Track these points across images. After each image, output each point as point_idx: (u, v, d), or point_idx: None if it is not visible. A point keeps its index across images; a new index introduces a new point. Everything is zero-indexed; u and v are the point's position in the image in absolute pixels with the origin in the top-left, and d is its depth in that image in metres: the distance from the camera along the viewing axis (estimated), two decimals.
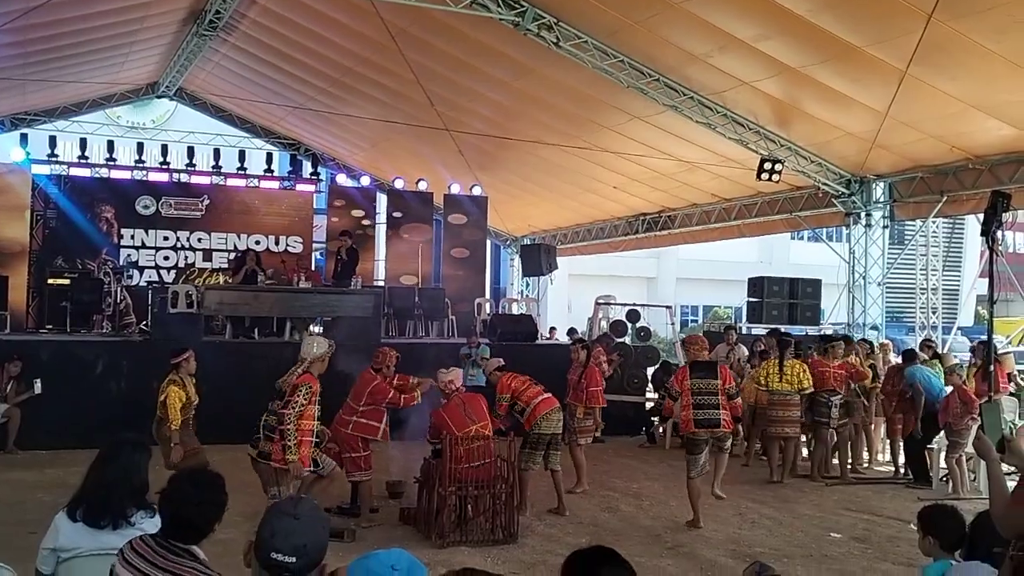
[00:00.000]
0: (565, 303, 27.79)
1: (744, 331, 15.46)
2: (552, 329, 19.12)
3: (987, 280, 11.06)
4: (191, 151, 18.75)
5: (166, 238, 17.97)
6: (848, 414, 10.94)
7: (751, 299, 15.20)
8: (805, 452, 11.46)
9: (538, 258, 18.48)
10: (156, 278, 17.32)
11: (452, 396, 7.92)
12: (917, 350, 11.81)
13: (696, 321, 33.67)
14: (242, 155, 19.28)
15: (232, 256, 17.33)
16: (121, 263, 16.96)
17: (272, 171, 19.62)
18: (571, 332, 17.23)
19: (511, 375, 8.83)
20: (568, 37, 11.43)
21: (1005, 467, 3.29)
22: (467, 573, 2.44)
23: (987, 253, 11.52)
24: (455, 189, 19.23)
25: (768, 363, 10.89)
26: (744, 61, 10.93)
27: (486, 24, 11.67)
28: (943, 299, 18.75)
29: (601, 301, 16.47)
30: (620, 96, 12.69)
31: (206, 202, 18.32)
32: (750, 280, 15.46)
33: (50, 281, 14.26)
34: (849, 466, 11.12)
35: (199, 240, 18.21)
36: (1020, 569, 2.95)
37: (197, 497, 3.08)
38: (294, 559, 2.47)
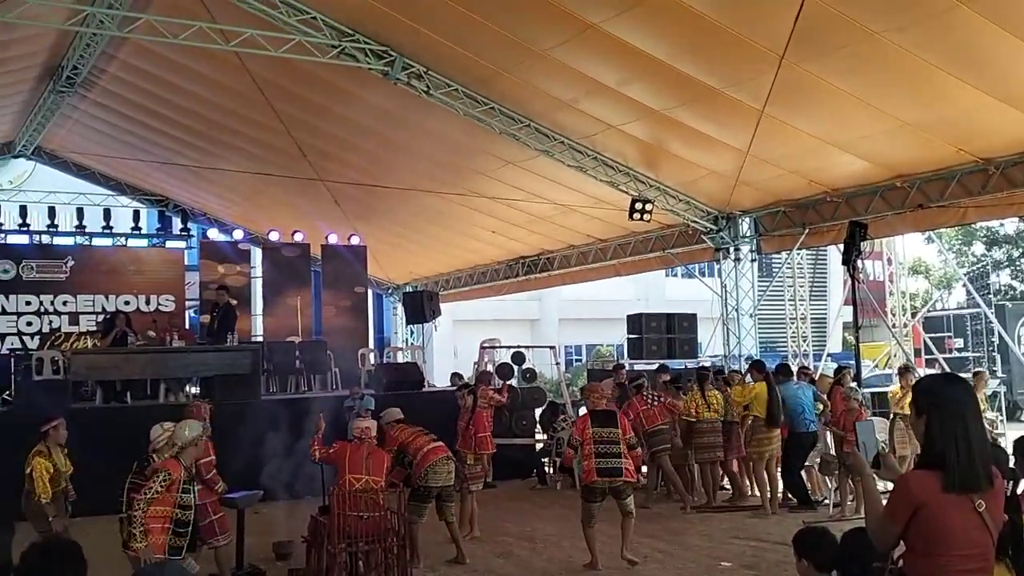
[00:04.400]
0: (451, 349, 27.72)
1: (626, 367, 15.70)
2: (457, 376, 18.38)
3: (851, 307, 11.56)
4: (52, 211, 18.01)
5: (28, 303, 17.18)
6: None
7: (631, 336, 15.49)
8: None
9: (421, 305, 18.39)
10: (19, 345, 16.48)
11: (364, 441, 7.70)
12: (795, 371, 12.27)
13: (580, 360, 34.09)
14: (107, 213, 18.63)
15: (100, 318, 16.65)
16: None
17: (140, 229, 19.00)
18: (456, 377, 17.15)
19: (400, 427, 8.69)
20: (439, 85, 11.53)
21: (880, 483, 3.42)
22: None
23: (850, 281, 12.03)
24: (332, 239, 19.02)
25: (692, 395, 11.37)
26: (610, 105, 11.24)
27: (355, 74, 11.67)
28: (812, 327, 19.54)
29: (486, 345, 16.48)
30: (493, 142, 12.85)
31: (70, 263, 17.63)
32: (629, 317, 15.76)
33: None
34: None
35: (64, 303, 17.47)
36: None
37: (53, 569, 2.91)
38: None
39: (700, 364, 15.19)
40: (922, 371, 16.62)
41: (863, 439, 3.72)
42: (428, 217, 17.60)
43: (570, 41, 9.69)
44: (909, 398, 10.21)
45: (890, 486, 3.21)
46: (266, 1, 10.51)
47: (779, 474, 11.22)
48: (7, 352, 15.74)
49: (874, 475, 3.41)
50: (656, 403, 11.51)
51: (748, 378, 11.50)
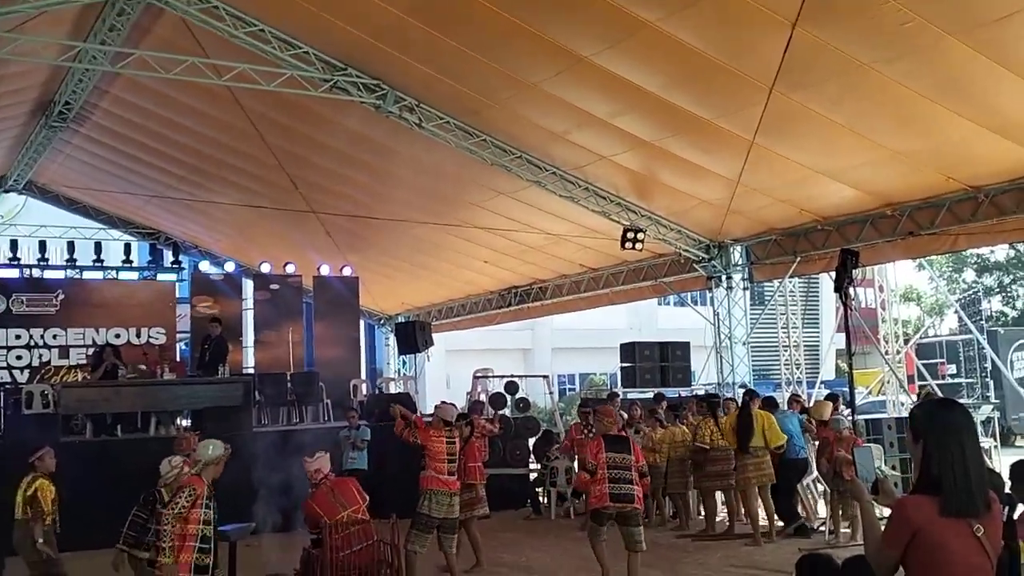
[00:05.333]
0: (444, 379, 27.64)
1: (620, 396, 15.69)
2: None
3: (844, 334, 11.59)
4: (43, 245, 18.00)
5: (18, 336, 17.12)
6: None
7: (624, 364, 15.49)
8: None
9: (413, 336, 18.36)
10: (9, 379, 16.40)
11: (320, 484, 7.66)
12: (784, 403, 12.31)
13: (574, 389, 34.00)
14: (98, 247, 18.63)
15: (90, 351, 16.59)
16: None
17: (131, 262, 18.99)
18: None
19: (440, 436, 8.63)
20: (430, 118, 11.59)
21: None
22: None
23: (842, 309, 12.04)
24: (324, 271, 19.01)
25: (705, 422, 11.33)
26: (601, 136, 11.31)
27: (347, 107, 11.74)
28: (805, 355, 19.55)
29: (479, 374, 16.46)
30: (485, 173, 12.91)
31: (61, 297, 17.59)
32: (622, 346, 15.77)
33: None
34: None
35: (54, 337, 17.40)
36: None
37: None
38: None
39: (707, 392, 15.17)
40: (913, 398, 16.67)
41: (861, 464, 3.71)
42: (420, 248, 17.63)
43: (561, 74, 9.77)
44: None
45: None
46: (258, 36, 10.58)
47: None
48: None
49: (873, 501, 3.41)
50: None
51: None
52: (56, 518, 7.86)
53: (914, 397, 16.84)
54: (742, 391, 13.88)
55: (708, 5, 8.14)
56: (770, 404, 11.65)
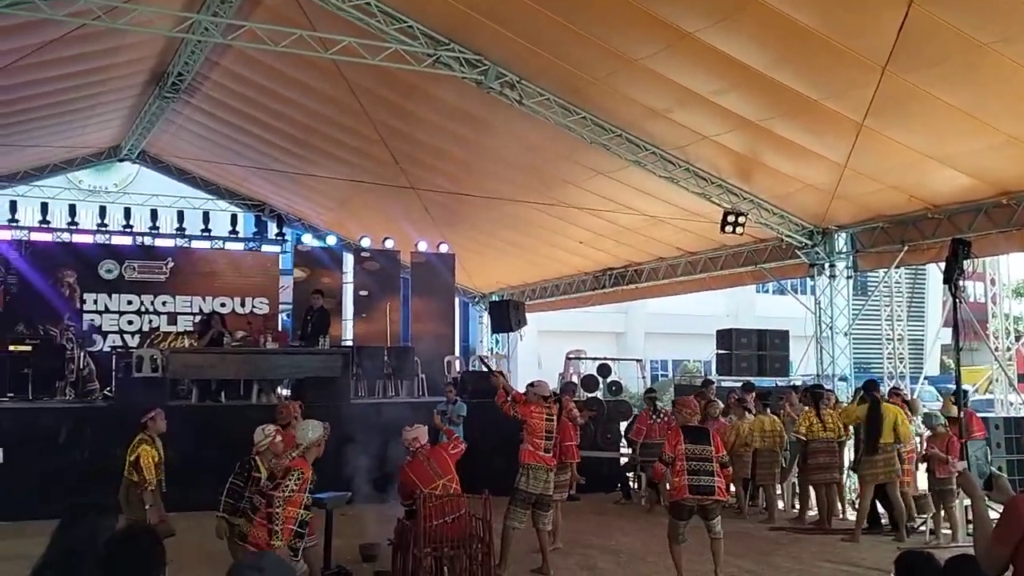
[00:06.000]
0: (535, 359, 27.71)
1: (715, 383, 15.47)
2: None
3: (951, 329, 11.19)
4: (154, 214, 18.66)
5: (130, 302, 17.78)
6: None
7: (720, 351, 15.24)
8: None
9: (507, 314, 18.44)
10: (120, 343, 17.07)
11: (416, 453, 7.77)
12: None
13: (666, 375, 33.69)
14: (206, 217, 19.22)
15: (197, 319, 17.15)
16: (84, 328, 16.70)
17: (237, 232, 19.55)
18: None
19: (540, 412, 8.70)
20: (531, 95, 11.55)
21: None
22: None
23: (949, 302, 11.61)
24: (422, 247, 19.22)
25: (807, 414, 11.14)
26: (704, 115, 11.08)
27: (449, 82, 11.78)
28: (909, 348, 18.92)
29: (572, 355, 16.46)
30: (583, 152, 12.81)
31: (170, 265, 18.21)
32: (719, 333, 15.52)
33: (11, 348, 13.96)
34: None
35: (163, 303, 18.04)
36: None
37: (132, 555, 2.96)
38: None
39: (791, 383, 14.85)
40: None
41: (976, 458, 3.56)
42: (516, 226, 17.64)
43: (665, 50, 9.60)
44: None
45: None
46: (364, 10, 10.70)
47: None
48: (109, 350, 16.32)
49: (985, 497, 3.26)
50: (661, 419, 12.74)
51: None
52: (162, 479, 8.14)
53: None
54: (848, 384, 13.58)
55: None
56: (871, 389, 11.28)
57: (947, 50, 8.32)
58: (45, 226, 17.68)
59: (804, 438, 11.02)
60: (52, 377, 13.68)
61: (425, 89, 12.52)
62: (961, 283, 11.48)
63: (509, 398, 8.68)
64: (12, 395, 13.25)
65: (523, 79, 11.43)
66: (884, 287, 17.63)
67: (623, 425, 14.73)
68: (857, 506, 10.81)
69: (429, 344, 18.19)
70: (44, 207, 17.84)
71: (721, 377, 15.48)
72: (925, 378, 18.74)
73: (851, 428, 11.33)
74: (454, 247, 19.28)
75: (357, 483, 9.23)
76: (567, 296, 21.21)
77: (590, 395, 15.00)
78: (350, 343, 18.27)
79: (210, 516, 7.48)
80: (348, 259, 20.65)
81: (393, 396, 15.59)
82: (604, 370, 15.82)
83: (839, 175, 11.00)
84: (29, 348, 13.92)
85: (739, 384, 13.74)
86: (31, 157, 18.01)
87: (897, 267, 14.54)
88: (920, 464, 10.90)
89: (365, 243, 19.12)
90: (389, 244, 19.14)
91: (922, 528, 10.64)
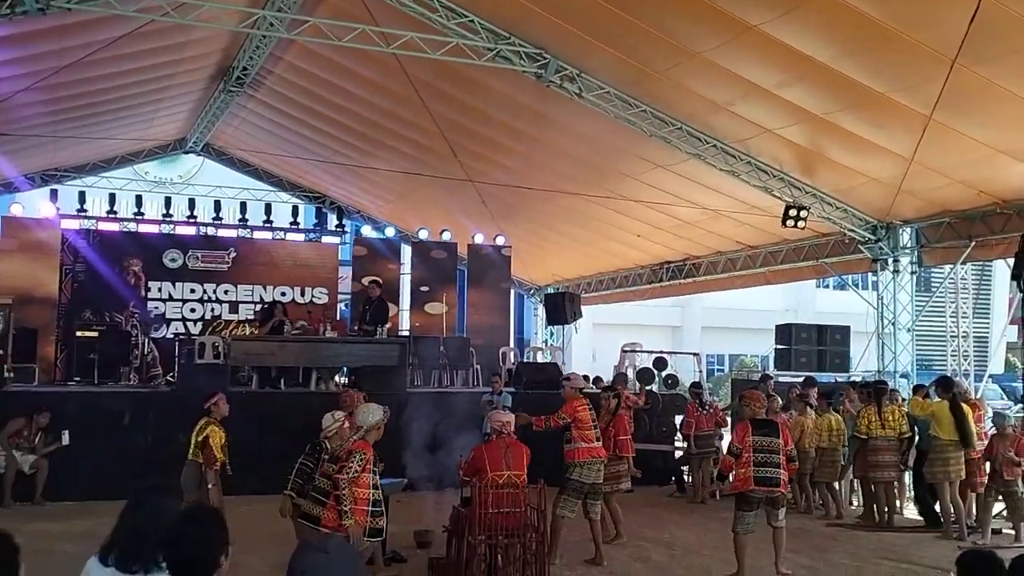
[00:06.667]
0: (589, 352, 27.66)
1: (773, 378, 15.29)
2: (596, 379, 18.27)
3: (1017, 327, 10.89)
4: (218, 205, 19.01)
5: (193, 291, 18.13)
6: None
7: (779, 346, 15.05)
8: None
9: (562, 307, 18.43)
10: (183, 330, 17.43)
11: (501, 437, 7.75)
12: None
13: (722, 370, 33.40)
14: (268, 208, 19.53)
15: (258, 308, 17.44)
16: (149, 315, 17.09)
17: (298, 224, 19.83)
18: (596, 381, 17.08)
19: (584, 404, 8.73)
20: (591, 88, 11.53)
21: None
22: None
23: (1017, 299, 11.32)
24: (479, 239, 19.30)
25: (867, 410, 10.96)
26: (767, 109, 10.97)
27: (509, 76, 11.81)
28: (974, 346, 18.50)
29: (627, 349, 16.39)
30: (643, 145, 12.76)
31: (233, 255, 18.51)
32: (778, 327, 15.32)
33: (78, 334, 14.36)
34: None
35: (225, 292, 18.36)
36: None
37: (198, 534, 3.03)
38: None
39: (850, 379, 14.60)
40: None
41: None
42: (572, 219, 17.64)
43: (728, 43, 9.51)
44: None
45: None
46: (426, 5, 10.79)
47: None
48: (172, 336, 16.68)
49: None
50: (708, 411, 13.17)
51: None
52: (227, 461, 8.32)
53: None
54: (909, 380, 13.32)
55: None
56: (946, 387, 11.01)
57: (1020, 42, 8.12)
58: (112, 216, 18.10)
59: (863, 436, 10.84)
60: (117, 362, 14.04)
61: (485, 83, 12.57)
62: None
63: (544, 418, 8.70)
64: (78, 379, 13.63)
65: (583, 72, 11.42)
66: (949, 283, 17.28)
67: (678, 419, 14.63)
68: (940, 506, 10.57)
69: (485, 335, 18.29)
70: (112, 198, 18.28)
71: (779, 372, 15.29)
72: (990, 376, 18.28)
73: (916, 426, 11.07)
74: (511, 239, 19.33)
75: (412, 470, 9.33)
76: (623, 289, 21.14)
77: (646, 388, 14.93)
78: (407, 333, 18.43)
79: (271, 500, 7.62)
80: (406, 250, 20.81)
81: (449, 386, 15.70)
82: (660, 363, 15.73)
83: (905, 169, 10.77)
84: (95, 334, 14.30)
85: (798, 380, 13.55)
86: (100, 149, 18.48)
87: (963, 263, 14.25)
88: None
89: (423, 235, 19.25)
90: (446, 236, 19.25)
91: (979, 528, 10.42)
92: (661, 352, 16.25)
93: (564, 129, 13.52)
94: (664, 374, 15.76)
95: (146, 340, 15.32)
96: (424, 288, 18.84)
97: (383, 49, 11.04)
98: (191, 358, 12.84)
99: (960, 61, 8.37)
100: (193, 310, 18.12)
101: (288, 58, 14.26)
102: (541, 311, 23.23)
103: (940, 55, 8.48)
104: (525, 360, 19.05)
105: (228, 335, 15.83)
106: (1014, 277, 11.08)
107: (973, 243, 12.44)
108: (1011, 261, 11.13)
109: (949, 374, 16.46)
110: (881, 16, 8.34)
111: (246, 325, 17.15)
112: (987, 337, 28.75)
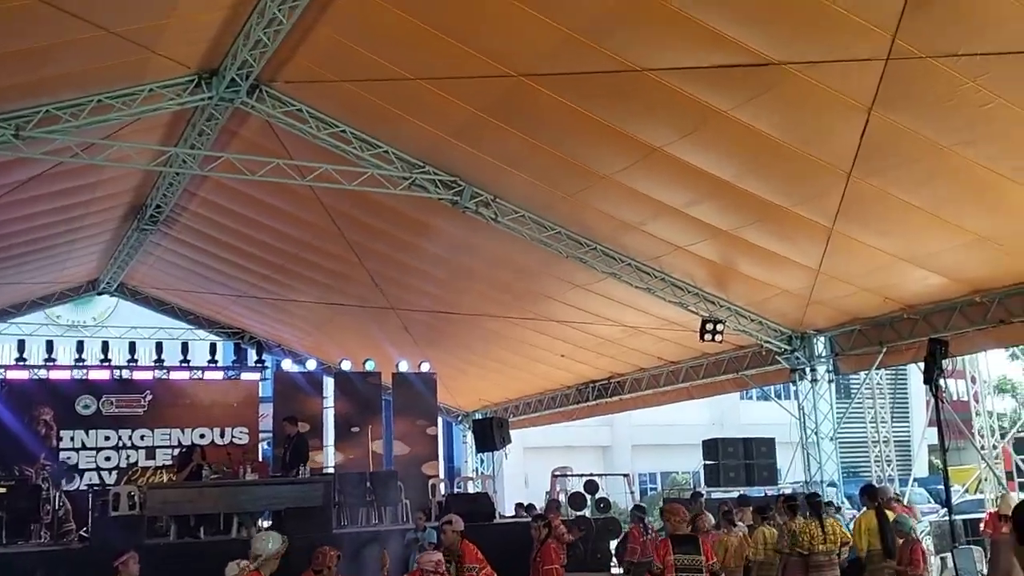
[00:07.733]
0: (522, 477, 27.29)
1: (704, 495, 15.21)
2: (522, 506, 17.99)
3: (936, 429, 11.09)
4: (132, 346, 18.51)
5: (107, 438, 17.47)
6: None
7: (707, 462, 15.06)
8: None
9: (491, 433, 18.22)
10: (97, 480, 16.69)
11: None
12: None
13: (655, 488, 33.18)
14: (185, 347, 19.07)
15: (176, 452, 16.83)
16: (61, 467, 16.32)
17: (216, 361, 19.36)
18: (528, 508, 16.74)
19: (469, 544, 8.44)
20: (505, 212, 11.73)
21: None
22: None
23: (933, 402, 11.50)
24: (403, 367, 19.08)
25: (807, 524, 10.68)
26: (677, 226, 11.27)
27: (425, 203, 11.95)
28: (896, 450, 18.78)
29: (557, 473, 16.20)
30: (560, 265, 12.94)
31: (149, 398, 17.98)
32: (704, 443, 15.37)
33: None
34: None
35: (142, 438, 17.73)
36: None
37: None
38: None
39: (780, 492, 14.61)
40: (1015, 495, 15.75)
41: (963, 569, 3.49)
42: (497, 342, 17.64)
43: (635, 165, 9.83)
44: None
45: None
46: (340, 137, 10.94)
47: None
48: (86, 487, 15.93)
49: None
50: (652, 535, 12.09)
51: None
52: None
53: (1014, 496, 15.94)
54: (838, 490, 13.35)
55: (781, 92, 8.14)
56: (871, 496, 11.02)
57: (909, 154, 8.58)
58: (22, 363, 17.47)
59: (804, 552, 10.64)
60: (27, 519, 13.29)
61: (401, 210, 12.68)
62: (942, 383, 11.53)
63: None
64: None
65: (498, 197, 11.63)
66: (866, 389, 17.65)
67: (613, 544, 14.38)
68: None
69: (413, 466, 17.86)
70: (21, 344, 17.68)
71: (710, 488, 15.24)
72: (915, 479, 18.52)
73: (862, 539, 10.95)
74: (436, 365, 19.16)
75: None
76: (551, 411, 21.05)
77: (578, 513, 14.70)
78: (331, 470, 17.92)
79: None
80: (328, 383, 20.45)
81: (376, 524, 15.20)
82: (591, 487, 15.57)
83: (813, 280, 11.12)
84: (3, 490, 13.51)
85: (730, 495, 13.48)
86: (10, 294, 17.97)
87: (877, 369, 14.57)
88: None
89: (346, 366, 18.96)
90: (370, 366, 18.99)
91: None
92: (591, 475, 16.10)
93: (483, 253, 13.65)
94: (596, 497, 15.57)
95: (58, 493, 14.55)
96: (354, 429, 18.40)
97: (298, 181, 11.10)
98: (105, 510, 12.22)
99: (855, 174, 8.77)
100: (108, 458, 17.42)
101: (202, 193, 14.21)
102: (470, 438, 22.93)
103: (836, 169, 8.87)
104: (456, 491, 18.63)
105: (144, 483, 15.23)
106: (926, 382, 11.37)
107: (884, 349, 12.78)
108: (922, 365, 11.45)
109: (874, 481, 16.65)
110: (776, 134, 8.73)
111: (163, 471, 16.53)
112: (909, 440, 29.32)
